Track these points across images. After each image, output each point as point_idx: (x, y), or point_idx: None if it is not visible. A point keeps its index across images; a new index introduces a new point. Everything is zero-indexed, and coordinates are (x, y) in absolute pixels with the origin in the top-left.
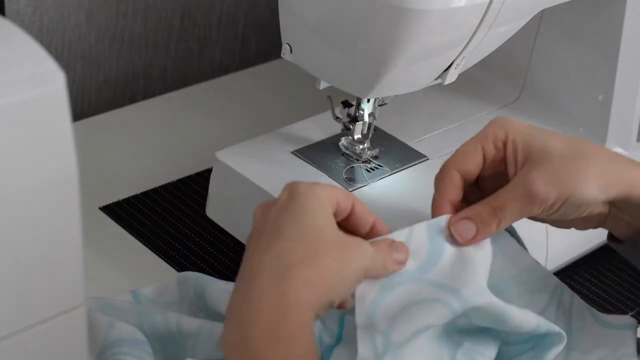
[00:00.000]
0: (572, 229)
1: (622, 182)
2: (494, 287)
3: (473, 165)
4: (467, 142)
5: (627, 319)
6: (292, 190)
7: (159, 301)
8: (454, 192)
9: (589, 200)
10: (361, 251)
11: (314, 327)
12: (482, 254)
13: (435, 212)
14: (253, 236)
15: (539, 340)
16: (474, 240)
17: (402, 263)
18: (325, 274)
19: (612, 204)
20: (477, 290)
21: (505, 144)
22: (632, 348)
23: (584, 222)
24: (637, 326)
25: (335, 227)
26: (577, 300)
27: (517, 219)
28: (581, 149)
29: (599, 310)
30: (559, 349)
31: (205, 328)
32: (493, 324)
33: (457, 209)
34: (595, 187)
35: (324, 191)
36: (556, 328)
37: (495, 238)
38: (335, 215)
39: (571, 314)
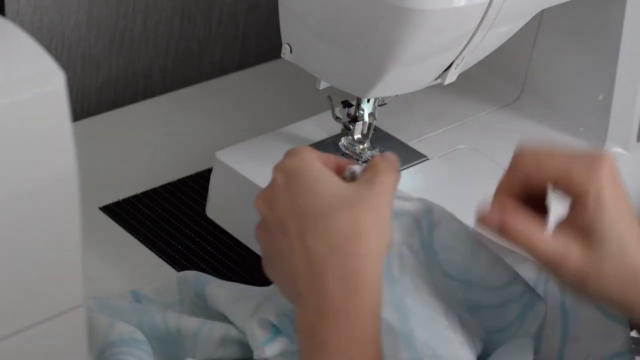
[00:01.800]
0: None
1: None
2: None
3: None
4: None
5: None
6: (283, 170)
7: (158, 301)
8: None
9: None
10: (384, 192)
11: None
12: None
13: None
14: (273, 230)
15: (520, 321)
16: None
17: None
18: (372, 238)
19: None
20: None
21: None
22: (627, 345)
23: None
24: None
25: (340, 181)
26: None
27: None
28: None
29: None
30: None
31: (205, 327)
32: (464, 271)
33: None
34: (619, 290)
35: (309, 154)
36: (534, 292)
37: None
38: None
39: (564, 296)
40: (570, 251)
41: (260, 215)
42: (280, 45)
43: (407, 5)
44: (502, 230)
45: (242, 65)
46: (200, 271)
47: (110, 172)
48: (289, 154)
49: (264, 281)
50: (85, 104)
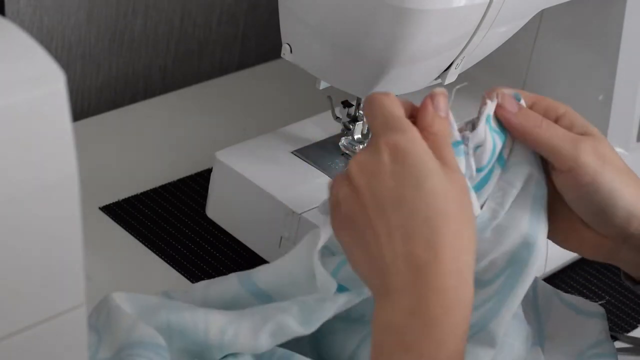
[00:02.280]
0: None
1: None
2: None
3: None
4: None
5: (595, 306)
6: (392, 146)
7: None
8: None
9: (615, 200)
10: (466, 189)
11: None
12: None
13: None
14: (368, 208)
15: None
16: (508, 116)
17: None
18: (469, 251)
19: (627, 236)
20: None
21: (558, 119)
22: (605, 335)
23: (593, 246)
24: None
25: (446, 181)
26: (541, 283)
27: (549, 151)
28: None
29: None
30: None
31: (232, 326)
32: None
33: None
34: (628, 201)
35: (416, 134)
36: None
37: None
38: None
39: (536, 296)
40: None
41: (352, 180)
42: (280, 45)
43: (407, 5)
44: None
45: (242, 65)
46: (200, 271)
47: (110, 172)
48: (392, 128)
49: None
50: (85, 104)
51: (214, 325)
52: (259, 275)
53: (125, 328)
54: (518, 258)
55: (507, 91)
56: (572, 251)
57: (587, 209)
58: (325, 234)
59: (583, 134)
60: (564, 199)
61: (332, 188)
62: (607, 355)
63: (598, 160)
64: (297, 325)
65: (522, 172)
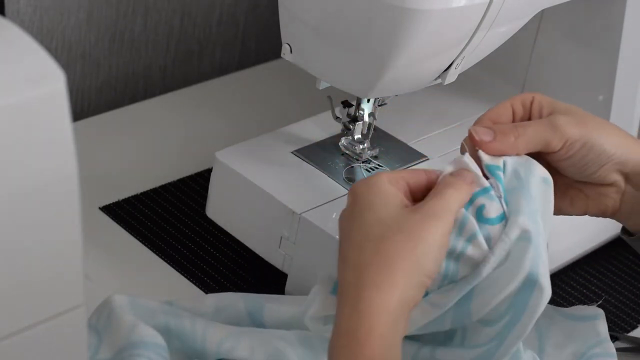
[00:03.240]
0: (583, 223)
1: (638, 157)
2: None
3: (504, 118)
4: (499, 103)
5: (593, 310)
6: (352, 193)
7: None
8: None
9: (609, 151)
10: (433, 220)
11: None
12: None
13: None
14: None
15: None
16: (490, 145)
17: (473, 181)
18: (397, 270)
19: (627, 178)
20: None
21: (532, 104)
22: (604, 335)
23: (598, 198)
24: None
25: (400, 212)
26: None
27: (537, 146)
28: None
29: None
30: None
31: (229, 340)
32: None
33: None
34: (615, 143)
35: (384, 181)
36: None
37: None
38: (413, 192)
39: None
40: (566, 126)
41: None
42: (280, 45)
43: (407, 5)
44: (496, 132)
45: (242, 65)
46: (200, 271)
47: (110, 172)
48: (375, 175)
49: (264, 281)
50: (85, 104)
51: (213, 336)
52: (271, 313)
53: (125, 328)
54: (521, 298)
55: (476, 129)
56: (580, 214)
57: (585, 169)
58: (317, 305)
59: (552, 111)
60: (560, 172)
61: None
62: (607, 355)
63: (578, 126)
64: (294, 357)
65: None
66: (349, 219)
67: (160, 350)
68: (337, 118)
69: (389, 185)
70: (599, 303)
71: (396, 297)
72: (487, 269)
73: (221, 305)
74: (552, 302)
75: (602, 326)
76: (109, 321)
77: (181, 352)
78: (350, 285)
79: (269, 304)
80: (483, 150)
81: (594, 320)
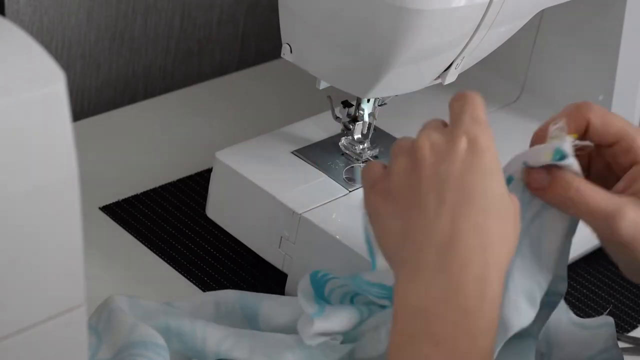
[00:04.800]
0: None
1: None
2: None
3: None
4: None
5: (604, 319)
6: (472, 138)
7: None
8: None
9: None
10: (518, 212)
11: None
12: None
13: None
14: (427, 183)
15: None
16: (538, 193)
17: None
18: (508, 256)
19: None
20: None
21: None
22: (612, 341)
23: None
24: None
25: (504, 183)
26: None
27: (586, 217)
28: None
29: (598, 310)
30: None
31: (228, 341)
32: None
33: None
34: None
35: (492, 135)
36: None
37: None
38: None
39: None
40: (626, 207)
41: (418, 156)
42: (280, 45)
43: (407, 5)
44: (553, 179)
45: (242, 65)
46: (200, 271)
47: (110, 172)
48: (477, 122)
49: (264, 281)
50: (85, 104)
51: (213, 336)
52: (266, 320)
53: (125, 329)
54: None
55: (556, 126)
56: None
57: (627, 263)
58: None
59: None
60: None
61: (392, 157)
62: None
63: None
64: (293, 359)
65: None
66: (468, 169)
67: (160, 350)
68: (337, 118)
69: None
70: (607, 311)
71: (502, 289)
72: None
73: (221, 311)
74: None
75: (611, 332)
76: (109, 321)
77: (180, 353)
78: (475, 253)
79: (264, 311)
80: (531, 189)
81: (603, 328)
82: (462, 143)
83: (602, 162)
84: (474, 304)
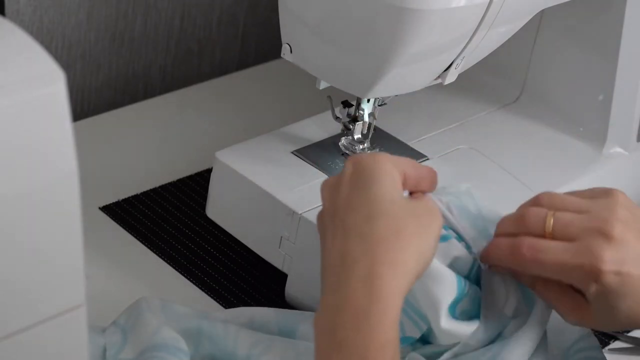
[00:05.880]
0: None
1: None
2: None
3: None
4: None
5: None
6: (354, 162)
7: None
8: None
9: None
10: (434, 215)
11: (399, 310)
12: None
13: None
14: (326, 216)
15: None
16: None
17: None
18: (409, 251)
19: None
20: None
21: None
22: (587, 330)
23: None
24: None
25: (403, 195)
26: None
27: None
28: None
29: None
30: None
31: (258, 347)
32: None
33: None
34: None
35: (383, 156)
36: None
37: None
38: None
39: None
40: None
41: (322, 200)
42: (280, 45)
43: (407, 5)
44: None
45: (242, 65)
46: (201, 271)
47: (110, 172)
48: (379, 154)
49: (264, 281)
50: (85, 104)
51: (244, 340)
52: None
53: (150, 330)
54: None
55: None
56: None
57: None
58: None
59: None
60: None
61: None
62: (592, 348)
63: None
64: None
65: None
66: (352, 187)
67: (180, 354)
68: (337, 118)
69: (393, 167)
70: None
71: (408, 279)
72: None
73: (255, 324)
74: None
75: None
76: (136, 322)
77: (211, 355)
78: (360, 257)
79: (303, 330)
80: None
81: None
82: (348, 168)
83: None
84: (363, 302)
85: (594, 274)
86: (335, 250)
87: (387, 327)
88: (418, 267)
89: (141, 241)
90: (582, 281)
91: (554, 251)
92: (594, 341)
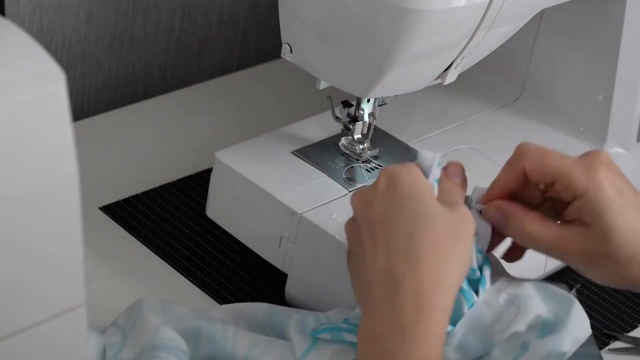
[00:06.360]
0: None
1: None
2: None
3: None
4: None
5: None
6: (388, 175)
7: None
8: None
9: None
10: (468, 222)
11: (445, 324)
12: None
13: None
14: (362, 231)
15: None
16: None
17: None
18: (452, 268)
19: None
20: None
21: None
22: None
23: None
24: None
25: (442, 207)
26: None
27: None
28: None
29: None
30: None
31: (257, 348)
32: None
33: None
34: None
35: (416, 167)
36: None
37: None
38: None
39: None
40: (578, 237)
41: (354, 213)
42: (280, 45)
43: (407, 5)
44: (508, 218)
45: (242, 65)
46: (201, 271)
47: (110, 172)
48: (398, 164)
49: (264, 281)
50: (85, 104)
51: (243, 341)
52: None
53: (150, 331)
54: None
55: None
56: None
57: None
58: None
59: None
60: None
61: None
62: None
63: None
64: None
65: None
66: (388, 202)
67: (180, 354)
68: (337, 118)
69: (424, 178)
70: (576, 287)
71: (452, 294)
72: None
73: (254, 326)
74: None
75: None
76: (135, 323)
77: (210, 356)
78: (407, 274)
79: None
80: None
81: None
82: (382, 183)
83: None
84: (410, 316)
85: (594, 170)
86: (379, 268)
87: (431, 341)
88: (459, 279)
89: (141, 241)
90: (579, 180)
91: (558, 157)
92: (591, 340)
